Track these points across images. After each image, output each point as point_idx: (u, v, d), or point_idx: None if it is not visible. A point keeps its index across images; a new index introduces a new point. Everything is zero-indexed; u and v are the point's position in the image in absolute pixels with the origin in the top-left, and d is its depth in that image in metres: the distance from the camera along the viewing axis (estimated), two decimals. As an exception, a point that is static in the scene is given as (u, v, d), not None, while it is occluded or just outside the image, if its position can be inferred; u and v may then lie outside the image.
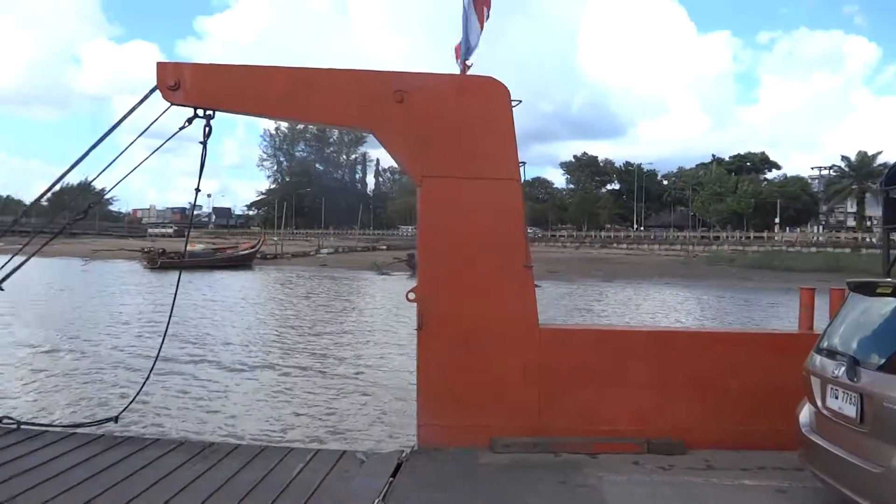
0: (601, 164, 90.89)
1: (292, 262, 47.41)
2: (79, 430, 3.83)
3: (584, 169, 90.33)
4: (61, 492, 2.85)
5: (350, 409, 8.21)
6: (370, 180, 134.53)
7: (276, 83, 4.21)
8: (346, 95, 4.23)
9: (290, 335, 14.91)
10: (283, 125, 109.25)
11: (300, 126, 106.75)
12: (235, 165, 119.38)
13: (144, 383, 4.54)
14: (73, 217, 5.00)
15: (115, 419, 4.14)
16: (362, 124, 4.30)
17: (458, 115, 4.37)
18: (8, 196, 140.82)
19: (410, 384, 8.62)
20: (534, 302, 4.47)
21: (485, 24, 4.62)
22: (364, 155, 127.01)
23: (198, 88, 4.10)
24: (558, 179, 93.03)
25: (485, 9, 4.59)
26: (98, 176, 4.68)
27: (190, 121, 4.17)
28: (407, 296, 4.35)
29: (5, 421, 3.76)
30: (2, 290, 3.99)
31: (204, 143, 4.22)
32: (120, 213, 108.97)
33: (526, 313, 4.42)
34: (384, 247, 59.64)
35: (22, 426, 3.76)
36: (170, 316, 4.59)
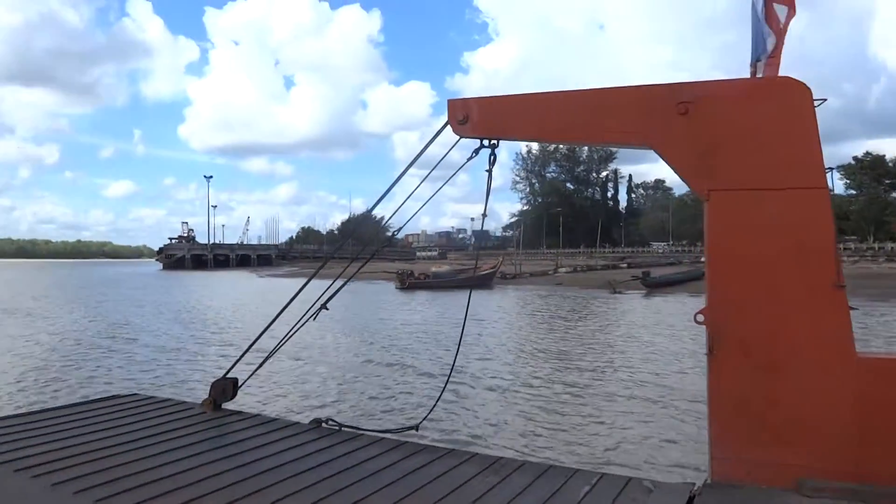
0: (890, 164, 77.98)
1: (530, 281, 48.68)
2: (386, 436, 4.09)
3: (868, 171, 78.31)
4: (373, 491, 3.10)
5: (631, 431, 8.03)
6: (622, 197, 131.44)
7: (557, 108, 4.31)
8: (626, 113, 4.16)
9: (542, 351, 15.17)
10: (535, 148, 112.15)
11: (551, 147, 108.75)
12: (500, 188, 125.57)
13: (439, 397, 4.90)
14: (383, 244, 5.60)
15: (416, 428, 4.49)
16: (643, 140, 4.17)
17: (751, 121, 4.03)
18: (308, 227, 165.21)
19: (692, 408, 8.31)
20: (849, 326, 3.92)
21: (786, 25, 4.21)
22: (615, 171, 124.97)
23: (484, 120, 4.35)
24: (836, 185, 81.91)
25: (786, 8, 4.18)
26: (400, 206, 5.19)
27: (476, 151, 4.43)
28: (695, 318, 4.09)
29: (329, 422, 4.21)
30: (326, 308, 4.61)
31: (489, 171, 4.47)
32: (397, 238, 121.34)
33: (840, 339, 3.89)
34: (625, 265, 57.98)
35: (343, 428, 4.14)
36: (462, 331, 4.90)
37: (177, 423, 4.03)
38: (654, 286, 39.97)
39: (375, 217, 8.44)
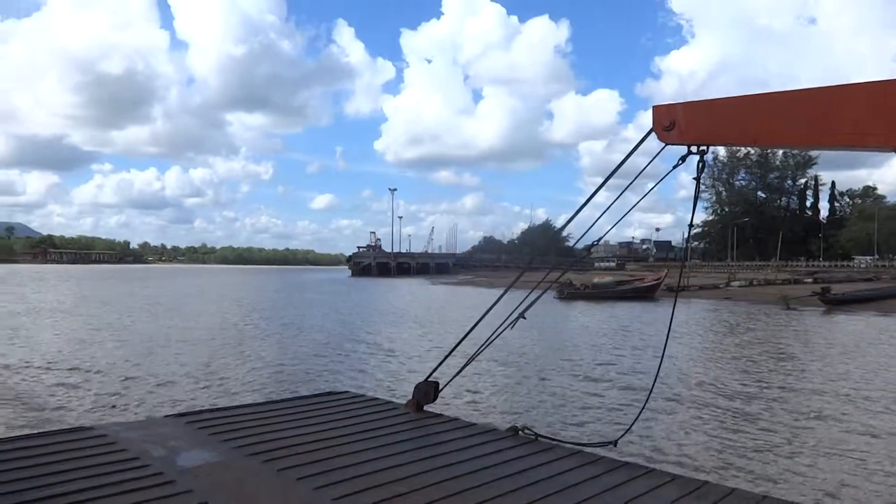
0: None
1: (696, 294, 45.50)
2: (584, 449, 4.01)
3: None
4: None
5: (840, 461, 7.27)
6: (823, 206, 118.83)
7: (776, 110, 3.98)
8: (863, 112, 3.74)
9: (723, 368, 14.22)
10: (722, 153, 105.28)
11: (741, 153, 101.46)
12: (684, 199, 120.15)
13: (640, 414, 4.73)
14: (584, 252, 5.53)
15: (615, 443, 4.36)
16: (883, 142, 3.71)
17: None
18: (490, 236, 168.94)
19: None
20: None
21: None
22: (815, 178, 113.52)
23: (692, 125, 4.15)
24: None
25: None
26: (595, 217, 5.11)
27: (683, 158, 4.23)
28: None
29: (526, 431, 4.19)
30: (524, 318, 4.65)
31: (697, 179, 4.25)
32: (579, 248, 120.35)
33: None
34: (810, 279, 52.07)
35: (539, 438, 4.11)
36: (665, 344, 4.72)
37: (384, 421, 4.21)
38: (835, 303, 35.74)
39: (555, 227, 8.30)
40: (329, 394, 5.41)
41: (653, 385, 4.86)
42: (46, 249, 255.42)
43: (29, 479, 2.99)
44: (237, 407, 5.14)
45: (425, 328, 23.99)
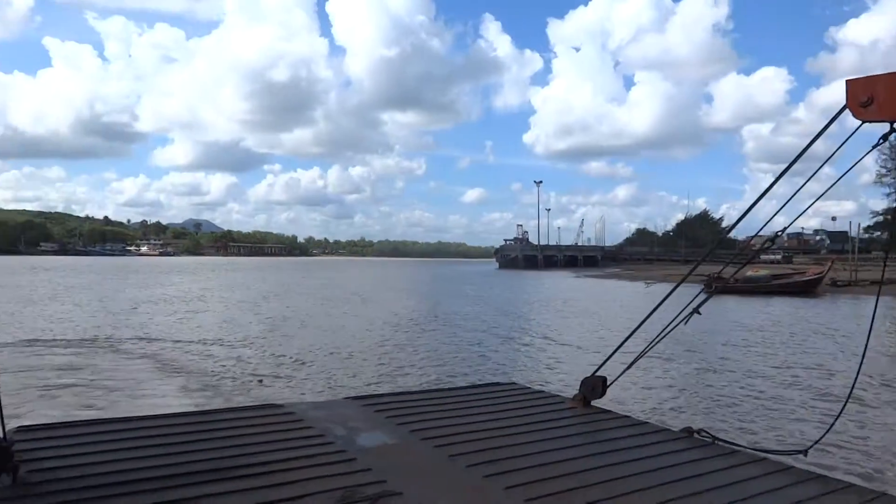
0: None
1: (867, 290, 40.35)
2: (769, 457, 3.67)
3: None
4: None
5: None
6: None
7: None
8: None
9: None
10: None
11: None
12: (866, 185, 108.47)
13: (837, 418, 4.31)
14: (748, 244, 5.13)
15: (805, 452, 3.99)
16: None
17: None
18: (643, 228, 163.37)
19: None
20: None
21: None
22: None
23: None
24: None
25: None
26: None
27: (885, 137, 3.76)
28: None
29: (702, 433, 3.92)
30: (699, 313, 4.39)
31: (900, 159, 3.76)
32: (736, 239, 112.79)
33: None
34: None
35: (717, 441, 3.84)
36: (866, 345, 4.25)
37: (550, 414, 4.17)
38: None
39: (713, 218, 7.64)
40: (496, 384, 5.46)
41: (851, 389, 4.39)
42: (227, 243, 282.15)
43: (226, 448, 3.24)
44: (409, 392, 5.28)
45: (568, 319, 23.63)
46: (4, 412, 2.80)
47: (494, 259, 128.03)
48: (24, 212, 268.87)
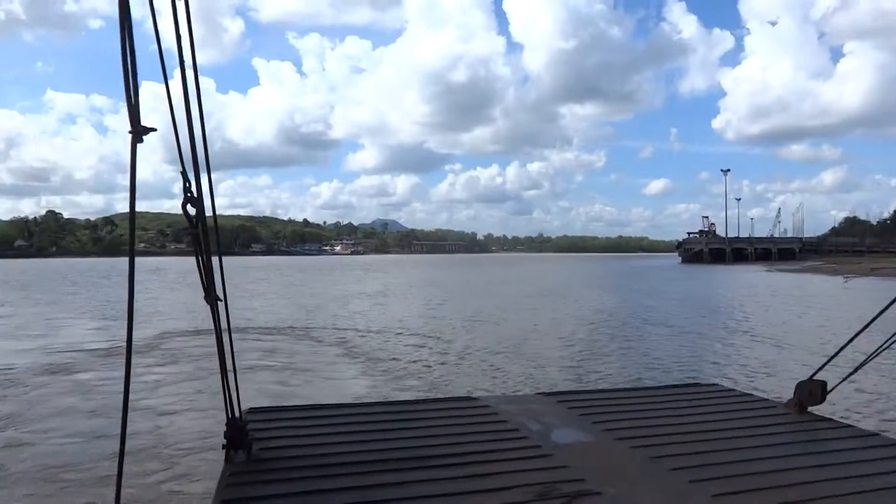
0: None
1: None
2: None
3: None
4: None
5: None
6: None
7: None
8: None
9: None
10: None
11: None
12: None
13: None
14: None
15: None
16: None
17: None
18: (853, 217, 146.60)
19: None
20: None
21: None
22: None
23: None
24: None
25: None
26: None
27: None
28: None
29: None
30: None
31: None
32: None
33: None
34: None
35: None
36: None
37: (760, 419, 3.87)
38: None
39: None
40: (696, 384, 5.33)
41: None
42: (411, 241, 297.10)
43: (426, 438, 3.37)
44: (603, 391, 5.21)
45: (751, 320, 22.62)
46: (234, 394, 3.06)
47: (677, 253, 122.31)
48: (237, 216, 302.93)
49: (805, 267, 71.26)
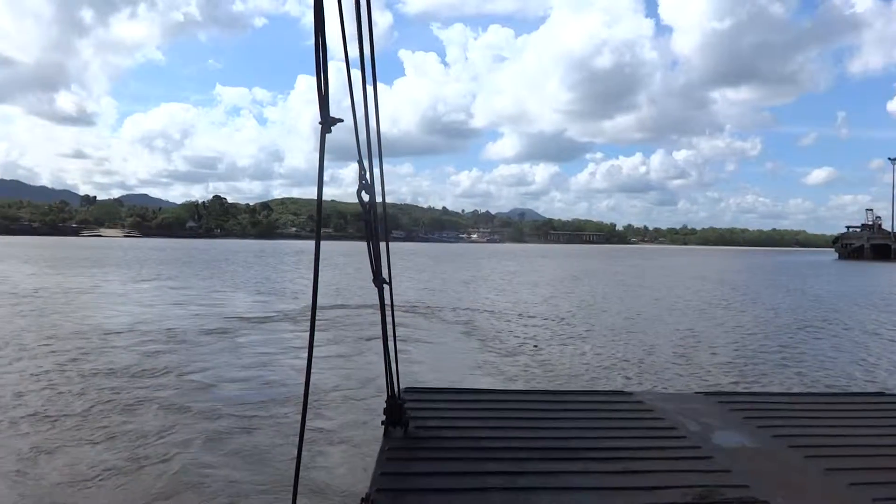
0: None
1: None
2: None
3: None
4: None
5: None
6: None
7: None
8: None
9: None
10: None
11: None
12: None
13: None
14: None
15: None
16: None
17: None
18: None
19: None
20: None
21: None
22: None
23: None
24: None
25: None
26: None
27: None
28: None
29: None
30: None
31: None
32: None
33: None
34: None
35: None
36: None
37: None
38: None
39: None
40: (879, 394, 5.02)
41: None
42: (547, 231, 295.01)
43: (576, 430, 3.32)
44: (770, 394, 5.04)
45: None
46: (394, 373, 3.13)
47: (833, 249, 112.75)
48: (379, 204, 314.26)
49: None
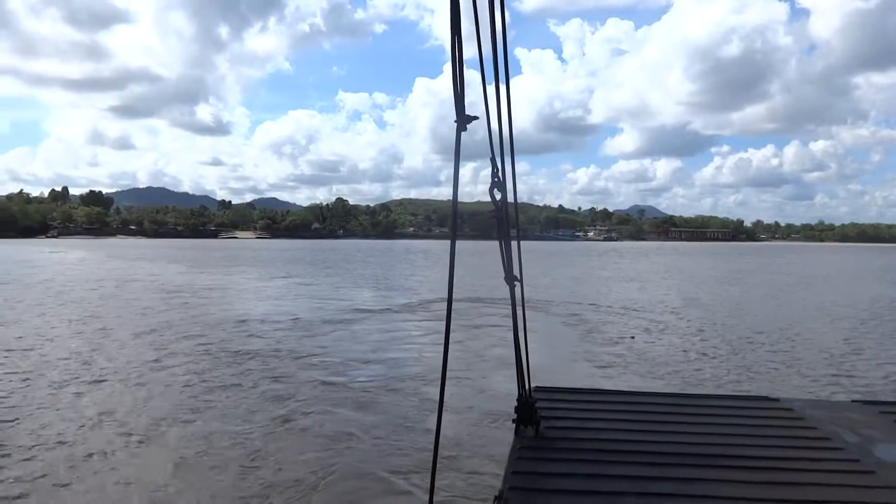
0: None
1: None
2: None
3: None
4: None
5: None
6: None
7: None
8: None
9: None
10: None
11: None
12: None
13: None
14: None
15: None
16: None
17: None
18: None
19: None
20: None
21: None
22: None
23: None
24: None
25: None
26: None
27: None
28: None
29: None
30: None
31: None
32: None
33: None
34: None
35: None
36: None
37: None
38: None
39: None
40: None
41: None
42: (668, 228, 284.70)
43: (716, 436, 3.13)
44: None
45: None
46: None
47: None
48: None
49: None
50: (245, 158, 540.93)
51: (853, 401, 4.17)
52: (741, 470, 2.67)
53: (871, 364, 12.18)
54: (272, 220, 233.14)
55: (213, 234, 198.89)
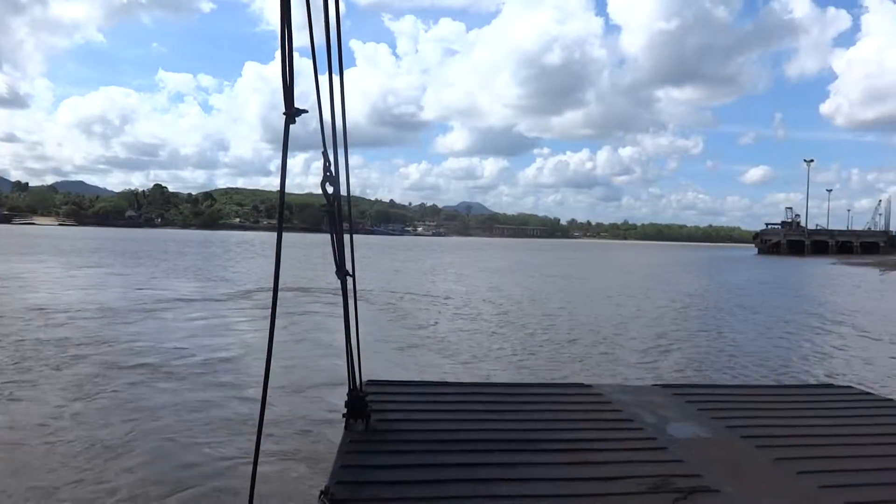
0: None
1: None
2: None
3: None
4: None
5: None
6: None
7: None
8: None
9: None
10: None
11: None
12: None
13: None
14: None
15: None
16: None
17: None
18: None
19: None
20: None
21: None
22: None
23: None
24: None
25: None
26: None
27: None
28: None
29: None
30: None
31: None
32: None
33: None
34: None
35: None
36: None
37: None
38: None
39: None
40: (828, 386, 5.17)
41: None
42: (492, 225, 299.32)
43: (535, 422, 3.36)
44: (723, 386, 5.18)
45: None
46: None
47: (754, 244, 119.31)
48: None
49: (876, 261, 68.57)
50: (46, 136, 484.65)
51: (654, 385, 4.71)
52: (556, 453, 2.92)
53: (672, 350, 13.50)
54: (78, 205, 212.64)
55: (6, 220, 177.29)
